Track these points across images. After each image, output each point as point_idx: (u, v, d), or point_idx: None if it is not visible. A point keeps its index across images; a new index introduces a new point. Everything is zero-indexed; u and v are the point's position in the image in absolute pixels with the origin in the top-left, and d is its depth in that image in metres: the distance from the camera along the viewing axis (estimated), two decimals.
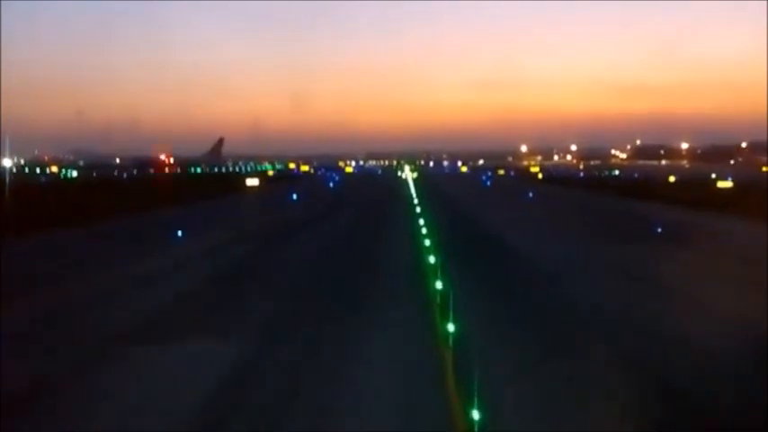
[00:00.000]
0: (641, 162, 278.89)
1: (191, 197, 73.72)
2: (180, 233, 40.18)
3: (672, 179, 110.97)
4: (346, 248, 34.39)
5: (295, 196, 76.85)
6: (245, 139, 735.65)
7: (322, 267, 28.25)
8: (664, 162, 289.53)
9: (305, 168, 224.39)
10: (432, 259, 25.01)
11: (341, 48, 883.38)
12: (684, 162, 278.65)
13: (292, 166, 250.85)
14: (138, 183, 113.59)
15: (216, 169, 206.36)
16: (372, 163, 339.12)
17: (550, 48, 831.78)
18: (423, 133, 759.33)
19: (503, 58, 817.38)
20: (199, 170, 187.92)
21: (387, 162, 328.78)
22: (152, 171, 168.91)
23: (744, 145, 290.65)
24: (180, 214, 56.36)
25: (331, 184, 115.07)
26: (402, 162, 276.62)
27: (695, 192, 69.46)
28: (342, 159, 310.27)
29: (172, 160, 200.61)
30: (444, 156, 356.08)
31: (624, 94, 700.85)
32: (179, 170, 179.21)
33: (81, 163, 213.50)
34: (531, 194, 76.63)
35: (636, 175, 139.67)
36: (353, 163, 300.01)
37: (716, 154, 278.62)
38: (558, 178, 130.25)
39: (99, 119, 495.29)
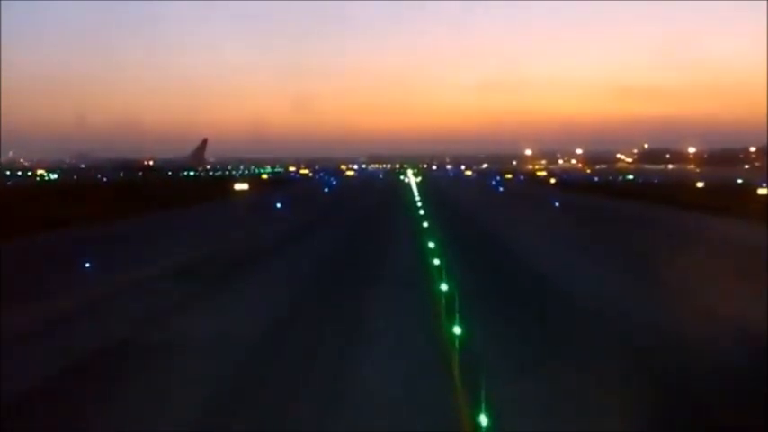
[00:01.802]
0: (648, 166, 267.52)
1: (159, 205, 61.72)
2: (88, 264, 27.43)
3: (700, 185, 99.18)
4: (320, 297, 21.21)
5: (279, 204, 64.15)
6: (247, 142, 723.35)
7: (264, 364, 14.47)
8: (671, 166, 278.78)
9: (305, 172, 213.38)
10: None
11: (344, 51, 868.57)
12: (692, 166, 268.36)
13: (293, 169, 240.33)
14: (112, 187, 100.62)
15: (212, 172, 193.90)
16: (375, 166, 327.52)
17: (554, 51, 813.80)
18: (426, 137, 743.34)
19: (507, 61, 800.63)
20: (193, 173, 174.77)
21: (389, 166, 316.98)
22: (141, 174, 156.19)
23: (752, 149, 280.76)
24: (124, 229, 43.83)
25: (326, 189, 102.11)
26: (405, 166, 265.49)
27: (743, 200, 57.42)
28: (344, 163, 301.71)
29: (152, 163, 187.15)
30: (447, 159, 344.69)
31: (628, 97, 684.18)
32: (170, 173, 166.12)
33: (83, 166, 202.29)
34: (557, 204, 63.44)
35: (655, 180, 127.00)
36: (356, 167, 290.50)
37: (723, 158, 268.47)
38: (572, 184, 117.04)
39: (101, 122, 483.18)
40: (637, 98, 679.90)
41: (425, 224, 40.95)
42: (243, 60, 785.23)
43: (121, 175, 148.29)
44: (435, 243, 30.01)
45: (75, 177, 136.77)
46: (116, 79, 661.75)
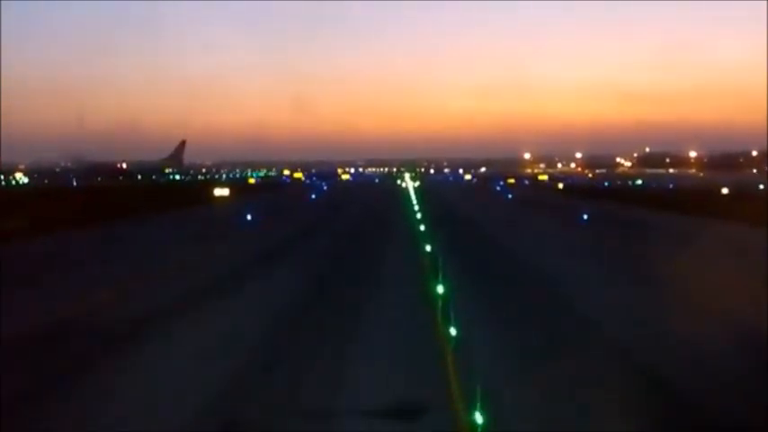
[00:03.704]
0: (650, 170, 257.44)
1: (102, 216, 49.75)
2: None
3: (725, 191, 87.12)
4: None
5: (250, 216, 51.67)
6: (247, 144, 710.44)
7: None
8: (672, 170, 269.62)
9: (298, 175, 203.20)
10: None
11: (342, 54, 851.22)
12: (693, 170, 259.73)
13: (287, 172, 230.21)
14: (69, 193, 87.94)
15: (202, 176, 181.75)
16: (372, 170, 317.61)
17: (552, 54, 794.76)
18: (423, 140, 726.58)
19: (505, 65, 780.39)
20: (179, 177, 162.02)
21: (386, 169, 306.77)
22: (121, 178, 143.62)
23: (754, 153, 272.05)
24: (17, 254, 31.31)
25: (313, 196, 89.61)
26: (402, 170, 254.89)
27: None
28: (342, 166, 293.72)
29: (125, 166, 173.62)
30: (445, 163, 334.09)
31: (627, 100, 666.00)
32: (154, 177, 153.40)
33: (73, 168, 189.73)
34: (585, 216, 50.80)
35: (670, 185, 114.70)
36: (352, 170, 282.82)
37: (724, 162, 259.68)
38: (583, 190, 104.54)
39: (100, 124, 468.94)
40: (636, 101, 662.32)
41: (428, 248, 28.73)
42: (242, 63, 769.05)
43: (99, 179, 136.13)
44: (446, 288, 17.95)
45: (46, 181, 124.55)
46: (115, 81, 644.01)
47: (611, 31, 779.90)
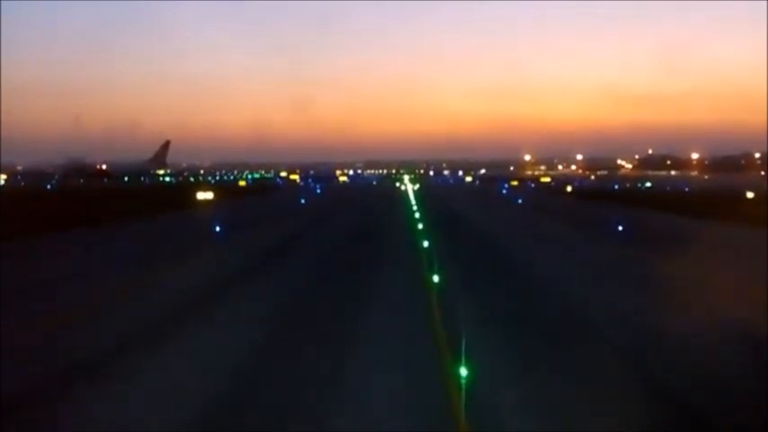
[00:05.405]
0: (652, 172, 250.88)
1: (61, 223, 41.42)
2: None
3: (750, 195, 78.63)
4: None
5: (218, 228, 42.63)
6: (245, 146, 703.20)
7: None
8: (673, 172, 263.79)
9: (294, 177, 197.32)
10: None
11: (342, 55, 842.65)
12: (695, 173, 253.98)
13: (283, 174, 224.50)
14: (39, 196, 79.23)
15: (192, 178, 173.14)
16: (370, 172, 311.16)
17: (553, 56, 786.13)
18: (423, 142, 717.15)
19: (505, 66, 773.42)
20: (168, 179, 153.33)
21: (385, 171, 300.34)
22: (106, 180, 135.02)
23: (757, 155, 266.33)
24: None
25: (303, 201, 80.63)
26: (401, 172, 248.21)
27: None
28: (342, 168, 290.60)
29: (104, 167, 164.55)
30: (444, 165, 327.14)
31: (627, 103, 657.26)
32: (143, 178, 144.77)
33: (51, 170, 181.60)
34: (620, 228, 41.69)
35: (686, 189, 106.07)
36: (351, 172, 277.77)
37: (726, 165, 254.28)
38: (593, 193, 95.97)
39: (96, 125, 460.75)
40: (636, 103, 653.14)
41: (435, 278, 19.88)
42: (243, 66, 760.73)
43: (81, 181, 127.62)
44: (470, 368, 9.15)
45: (22, 184, 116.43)
46: (114, 82, 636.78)
47: (612, 33, 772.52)
